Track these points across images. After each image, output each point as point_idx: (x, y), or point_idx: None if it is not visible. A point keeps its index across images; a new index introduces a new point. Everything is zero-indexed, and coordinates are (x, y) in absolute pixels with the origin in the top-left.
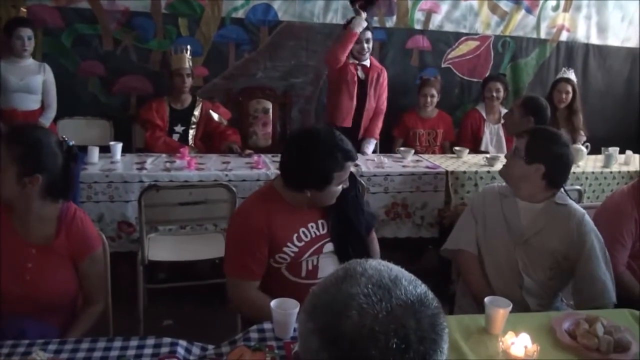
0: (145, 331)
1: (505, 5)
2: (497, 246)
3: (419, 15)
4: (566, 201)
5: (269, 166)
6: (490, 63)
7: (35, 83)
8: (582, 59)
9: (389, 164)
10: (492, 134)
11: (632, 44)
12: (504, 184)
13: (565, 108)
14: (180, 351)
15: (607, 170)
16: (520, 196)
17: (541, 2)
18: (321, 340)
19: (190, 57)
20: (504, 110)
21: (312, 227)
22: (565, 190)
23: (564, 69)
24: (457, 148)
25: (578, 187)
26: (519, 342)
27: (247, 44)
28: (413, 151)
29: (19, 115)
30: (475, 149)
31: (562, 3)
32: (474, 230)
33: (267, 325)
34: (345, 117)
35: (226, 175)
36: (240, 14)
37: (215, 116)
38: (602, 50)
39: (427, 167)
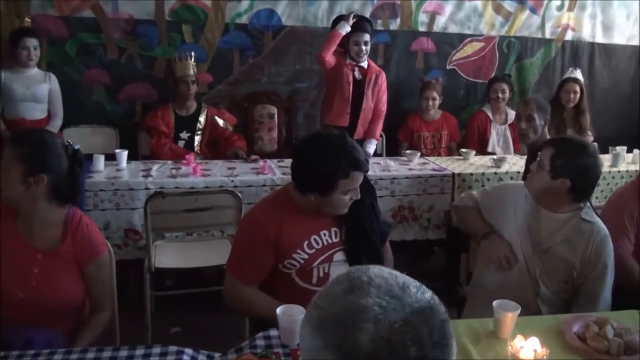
0: (153, 339)
1: (509, 6)
2: (516, 249)
3: (422, 17)
4: (592, 218)
5: (274, 171)
6: (496, 64)
7: (41, 92)
8: (588, 58)
9: (395, 167)
10: (499, 134)
11: (637, 42)
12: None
13: (573, 108)
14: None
15: (615, 169)
16: (544, 206)
17: (545, 1)
18: (337, 355)
19: (194, 63)
20: (510, 111)
21: (324, 234)
22: (592, 207)
23: (571, 68)
24: (463, 150)
25: None
26: (528, 346)
27: (251, 49)
28: (419, 154)
29: (26, 124)
30: (482, 150)
31: (566, 2)
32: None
33: (273, 332)
34: (339, 116)
35: (232, 181)
36: (244, 19)
37: (221, 122)
38: (608, 49)
39: (434, 170)
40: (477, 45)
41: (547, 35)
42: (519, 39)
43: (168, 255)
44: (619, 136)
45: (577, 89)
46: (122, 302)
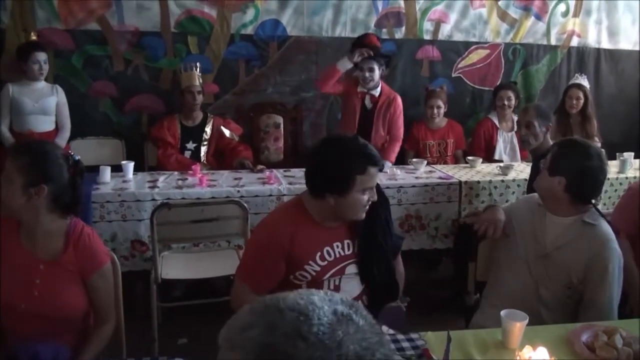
0: (160, 350)
1: (514, 13)
2: (520, 254)
3: (427, 26)
4: (596, 221)
5: (281, 181)
6: (501, 71)
7: (49, 105)
8: (594, 64)
9: (401, 175)
10: (506, 142)
11: None
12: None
13: (579, 114)
14: None
15: (623, 175)
16: (549, 209)
17: (550, 8)
18: None
19: (200, 74)
20: (516, 118)
21: (337, 246)
22: (596, 207)
23: (576, 74)
24: (470, 158)
25: None
26: (537, 356)
27: (257, 59)
28: (425, 162)
29: (35, 137)
30: (489, 157)
31: (571, 8)
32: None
33: None
34: None
35: (238, 191)
36: (249, 30)
37: (227, 132)
38: (614, 55)
39: (440, 178)
40: (483, 52)
41: (553, 42)
42: (525, 46)
43: (175, 266)
44: (626, 142)
45: (581, 95)
46: (129, 314)
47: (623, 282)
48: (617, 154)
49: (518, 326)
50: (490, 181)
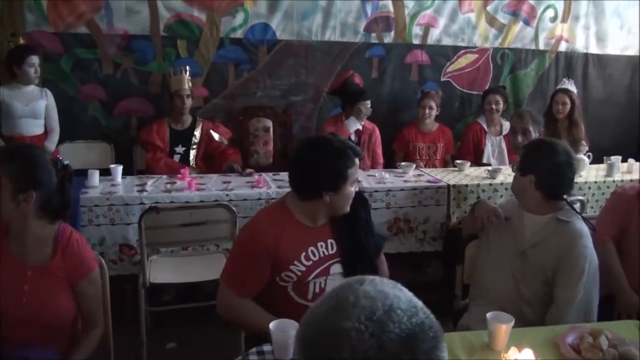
0: (149, 354)
1: (502, 18)
2: (501, 253)
3: (416, 30)
4: (569, 218)
5: (270, 185)
6: (490, 75)
7: (39, 108)
8: (582, 68)
9: (390, 179)
10: (494, 146)
11: (631, 52)
12: None
13: (566, 119)
14: None
15: (610, 179)
16: (525, 208)
17: (539, 13)
18: None
19: (189, 77)
20: (504, 122)
21: (321, 246)
22: (569, 204)
23: (564, 79)
24: (458, 161)
25: (581, 197)
26: (522, 357)
27: (247, 63)
28: (414, 166)
29: (27, 140)
30: (477, 161)
31: (560, 14)
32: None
33: (266, 347)
34: None
35: (227, 195)
36: (238, 34)
37: (216, 136)
38: (602, 60)
39: (429, 182)
40: (471, 57)
41: (541, 47)
42: (513, 51)
43: (163, 270)
44: (614, 146)
45: (567, 100)
46: (117, 318)
47: (610, 286)
48: (605, 157)
49: (504, 328)
50: (478, 185)
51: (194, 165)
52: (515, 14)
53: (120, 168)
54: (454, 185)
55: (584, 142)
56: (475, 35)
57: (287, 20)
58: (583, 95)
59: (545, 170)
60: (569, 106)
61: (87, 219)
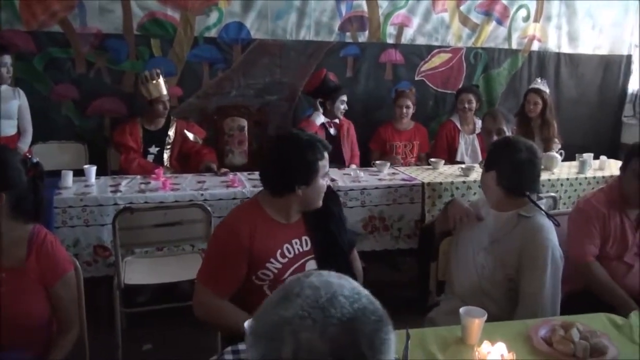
0: (125, 356)
1: (476, 18)
2: (467, 249)
3: (391, 30)
4: (531, 214)
5: (245, 184)
6: (463, 74)
7: (12, 108)
8: (554, 68)
9: (365, 177)
10: (467, 144)
11: (603, 51)
12: None
13: (538, 118)
14: None
15: (582, 176)
16: (491, 205)
17: (512, 13)
18: None
19: (164, 79)
20: (478, 121)
21: (296, 243)
22: (532, 200)
23: (536, 79)
24: (432, 159)
25: (553, 194)
26: (495, 352)
27: (221, 62)
28: (389, 164)
29: (2, 141)
30: (451, 159)
31: (532, 14)
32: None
33: (242, 346)
34: None
35: (202, 194)
36: (213, 33)
37: (191, 136)
38: (574, 59)
39: (403, 180)
40: (445, 56)
41: (514, 46)
42: (486, 50)
43: (138, 271)
44: (586, 144)
45: (539, 100)
46: (92, 320)
47: (609, 300)
48: (577, 155)
49: (476, 322)
50: (452, 182)
51: (168, 165)
52: (488, 14)
53: (94, 168)
54: (428, 183)
55: (556, 140)
56: (449, 34)
57: (262, 19)
58: (555, 93)
59: (505, 167)
60: (540, 106)
61: (61, 221)
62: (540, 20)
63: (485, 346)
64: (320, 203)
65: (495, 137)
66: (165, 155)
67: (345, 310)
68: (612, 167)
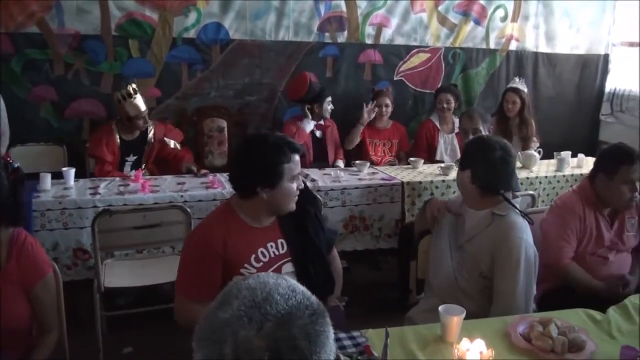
0: None
1: (454, 18)
2: (442, 246)
3: (369, 30)
4: (505, 212)
5: (224, 185)
6: (442, 74)
7: None
8: (532, 67)
9: (345, 177)
10: (447, 143)
11: (580, 50)
12: None
13: (517, 117)
14: None
15: (560, 174)
16: (466, 203)
17: (489, 13)
18: None
19: (138, 93)
20: (456, 120)
21: (271, 246)
22: (506, 199)
23: (515, 78)
24: (412, 159)
25: (531, 192)
26: (474, 349)
27: (200, 63)
28: (368, 164)
29: None
30: (431, 158)
31: (510, 14)
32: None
33: None
34: None
35: (181, 196)
36: (191, 33)
37: (171, 143)
38: (551, 58)
39: (383, 179)
40: (424, 56)
41: (492, 46)
42: (464, 50)
43: (118, 274)
44: (564, 142)
45: (517, 99)
46: (72, 324)
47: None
48: (555, 153)
49: (455, 320)
50: (431, 181)
51: (145, 170)
52: (466, 14)
53: (72, 171)
54: (407, 183)
55: (535, 139)
56: (427, 34)
57: (240, 20)
58: (533, 92)
59: (480, 165)
60: (518, 105)
61: (40, 224)
62: (518, 20)
63: (464, 343)
64: (293, 206)
65: (472, 137)
66: (143, 161)
67: (280, 307)
68: (590, 164)
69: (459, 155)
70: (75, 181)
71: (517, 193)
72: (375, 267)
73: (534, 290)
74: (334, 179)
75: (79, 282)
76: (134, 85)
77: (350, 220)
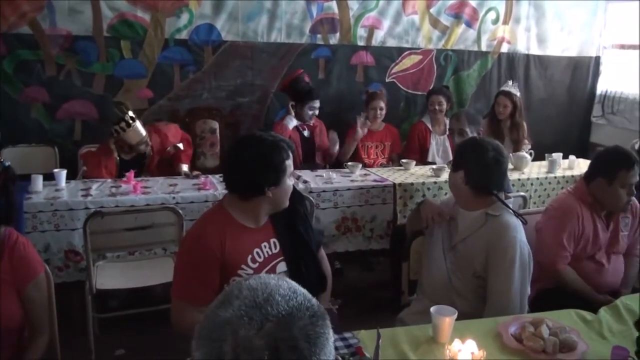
0: None
1: (445, 20)
2: (437, 247)
3: (361, 32)
4: (498, 212)
5: (216, 187)
6: (434, 76)
7: None
8: (524, 69)
9: (337, 179)
10: (439, 144)
11: (572, 53)
12: None
13: (508, 119)
14: None
15: (552, 175)
16: (459, 204)
17: (481, 15)
18: None
19: (136, 120)
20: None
21: (265, 246)
22: (499, 199)
23: (507, 81)
24: (404, 160)
25: (523, 193)
26: (466, 349)
27: (192, 64)
28: (361, 165)
29: None
30: (422, 160)
31: (501, 16)
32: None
33: None
34: None
35: (173, 198)
36: (183, 34)
37: (172, 148)
38: (543, 60)
39: (375, 181)
40: (416, 58)
41: (483, 48)
42: (456, 52)
43: (110, 276)
44: (555, 144)
45: (508, 103)
46: (64, 326)
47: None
48: (546, 154)
49: (447, 321)
50: (423, 183)
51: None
52: (457, 16)
53: (64, 172)
54: (400, 184)
55: (526, 142)
56: (419, 36)
57: (232, 21)
58: (525, 94)
59: (473, 166)
60: (510, 108)
61: (31, 225)
62: (509, 22)
63: (456, 344)
64: (288, 203)
65: (457, 138)
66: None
67: (281, 307)
68: (582, 166)
69: (450, 157)
70: (66, 182)
71: (509, 194)
72: (367, 268)
73: (528, 289)
74: (326, 180)
75: (71, 284)
76: (130, 114)
77: (342, 221)
